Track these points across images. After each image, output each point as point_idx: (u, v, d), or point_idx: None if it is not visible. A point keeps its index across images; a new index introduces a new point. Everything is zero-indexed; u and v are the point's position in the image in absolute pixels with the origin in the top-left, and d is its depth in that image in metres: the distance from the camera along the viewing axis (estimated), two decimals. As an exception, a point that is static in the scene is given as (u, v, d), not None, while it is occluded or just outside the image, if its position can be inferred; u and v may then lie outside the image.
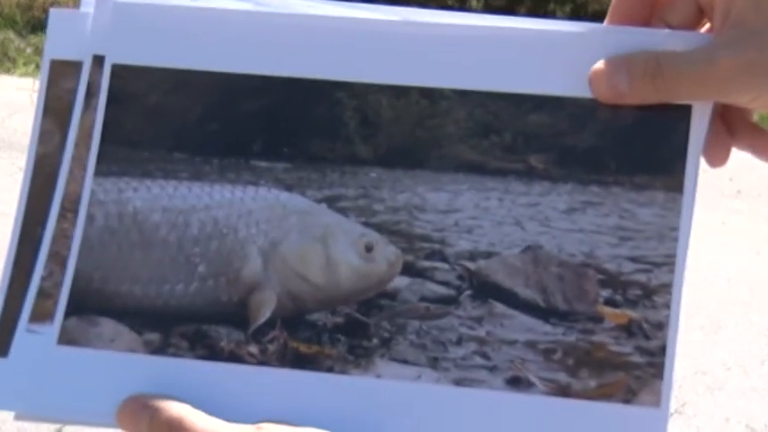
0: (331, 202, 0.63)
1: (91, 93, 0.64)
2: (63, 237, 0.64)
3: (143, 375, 0.61)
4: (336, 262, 0.62)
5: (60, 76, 0.65)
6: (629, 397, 0.59)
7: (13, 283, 0.64)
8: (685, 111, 0.62)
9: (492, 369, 0.60)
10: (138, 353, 0.62)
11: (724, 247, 3.54)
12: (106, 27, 0.64)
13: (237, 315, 0.61)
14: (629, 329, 0.60)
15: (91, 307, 0.62)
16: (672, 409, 2.71)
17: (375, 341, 0.60)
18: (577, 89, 0.62)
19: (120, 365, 0.62)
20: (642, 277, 0.61)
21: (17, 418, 0.62)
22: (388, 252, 0.62)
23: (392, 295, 0.61)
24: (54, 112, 0.64)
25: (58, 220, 0.64)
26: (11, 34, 5.90)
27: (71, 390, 0.62)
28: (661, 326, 0.60)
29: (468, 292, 0.61)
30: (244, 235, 0.62)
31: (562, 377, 0.59)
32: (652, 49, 0.61)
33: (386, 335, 0.61)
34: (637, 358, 0.59)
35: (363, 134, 0.63)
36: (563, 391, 0.59)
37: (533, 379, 0.60)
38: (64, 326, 0.62)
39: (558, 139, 0.62)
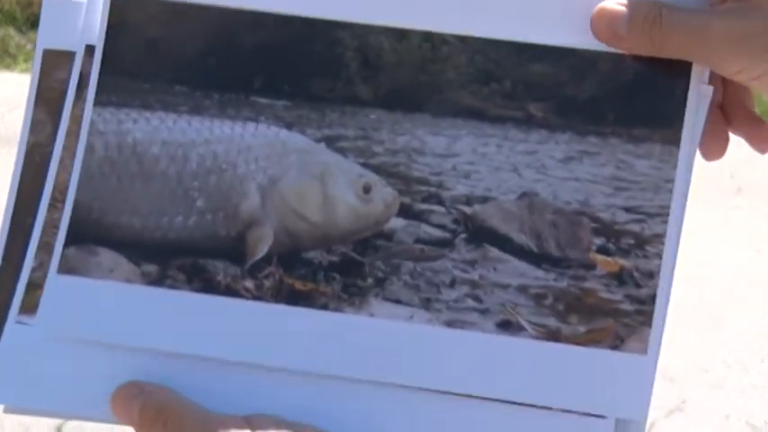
0: (330, 141, 0.63)
1: (83, 84, 0.64)
2: (53, 227, 0.64)
3: (140, 308, 0.61)
4: (334, 201, 0.62)
5: (53, 67, 0.65)
6: (616, 343, 0.60)
7: (2, 274, 0.64)
8: (685, 67, 0.62)
9: (484, 312, 0.60)
10: (135, 284, 0.62)
11: (724, 245, 3.54)
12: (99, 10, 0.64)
13: (234, 250, 0.62)
14: (620, 278, 0.61)
15: (90, 237, 0.62)
16: (671, 407, 2.70)
17: (369, 281, 0.61)
18: (580, 40, 0.63)
19: (118, 297, 0.62)
20: (636, 227, 0.61)
21: (6, 411, 0.62)
22: (385, 193, 0.62)
23: (388, 236, 0.62)
24: (46, 102, 0.65)
25: (49, 211, 0.64)
26: (11, 30, 5.90)
27: (61, 382, 0.62)
28: (652, 275, 0.61)
29: (463, 236, 0.62)
30: (243, 171, 0.62)
31: (552, 322, 0.60)
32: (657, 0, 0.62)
33: (380, 275, 0.61)
34: (626, 306, 0.60)
35: (364, 75, 0.64)
36: (552, 336, 0.60)
37: (524, 323, 0.60)
38: (64, 254, 0.62)
39: (558, 89, 0.63)
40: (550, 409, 0.60)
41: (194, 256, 0.62)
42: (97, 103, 0.63)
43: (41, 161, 0.65)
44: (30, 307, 0.63)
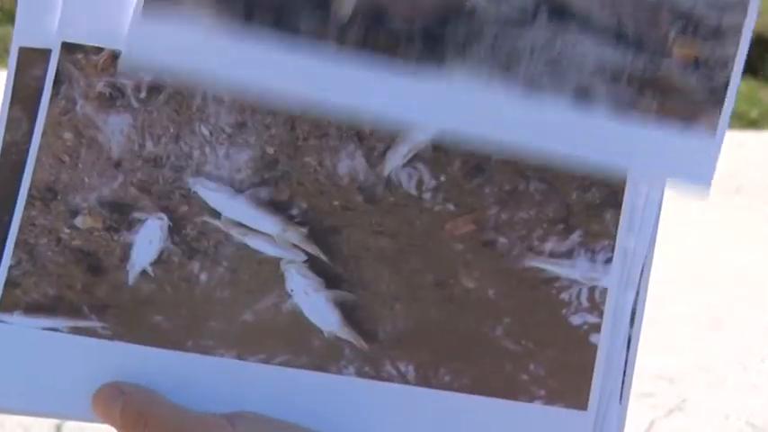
0: None
1: (60, 80, 0.64)
2: (30, 225, 0.63)
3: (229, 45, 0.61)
4: None
5: (29, 64, 0.64)
6: (687, 119, 0.61)
7: None
8: None
9: (560, 82, 0.61)
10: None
11: (724, 244, 3.54)
12: (76, 13, 0.64)
13: (321, 4, 0.61)
14: (696, 63, 0.62)
15: None
16: (672, 406, 2.71)
17: (450, 46, 0.61)
18: None
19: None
20: (714, 15, 0.62)
21: None
22: None
23: (470, 12, 0.62)
24: (22, 99, 0.64)
25: (26, 208, 0.63)
26: (11, 29, 5.91)
27: (42, 381, 0.62)
28: (726, 64, 0.62)
29: (545, 12, 0.62)
30: None
31: (626, 97, 0.61)
32: None
33: (461, 41, 0.61)
34: (700, 90, 0.62)
35: None
36: (627, 106, 0.61)
37: (599, 94, 0.61)
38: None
39: None
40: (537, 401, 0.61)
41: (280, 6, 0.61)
42: None
43: (18, 159, 0.64)
44: (8, 305, 0.62)
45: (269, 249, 0.63)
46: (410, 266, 0.62)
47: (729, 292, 3.30)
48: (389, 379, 0.61)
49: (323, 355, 0.62)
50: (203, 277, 0.62)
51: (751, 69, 5.47)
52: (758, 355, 3.01)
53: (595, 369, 0.61)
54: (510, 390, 0.61)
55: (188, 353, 0.62)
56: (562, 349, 0.61)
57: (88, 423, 0.61)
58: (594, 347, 0.61)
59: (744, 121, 4.95)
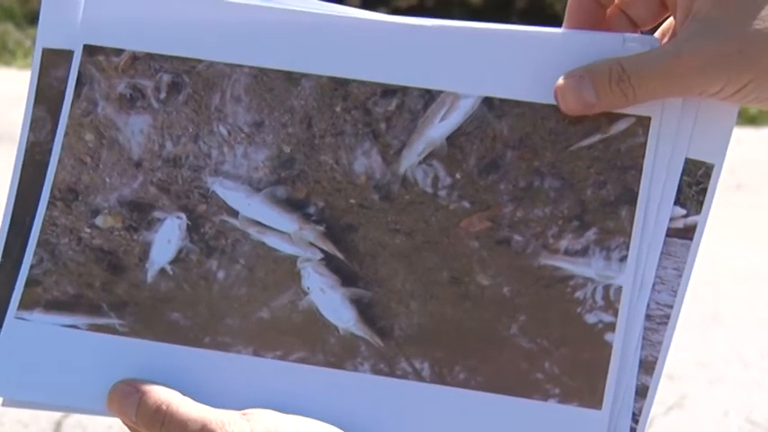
0: None
1: (81, 82, 0.64)
2: (52, 225, 0.64)
3: None
4: None
5: (52, 65, 0.65)
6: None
7: (1, 270, 0.64)
8: None
9: None
10: None
11: (724, 240, 3.54)
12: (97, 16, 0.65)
13: None
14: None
15: None
16: (671, 403, 2.71)
17: None
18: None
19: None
20: None
21: (5, 404, 0.63)
22: None
23: None
24: (46, 100, 0.65)
25: (48, 209, 0.64)
26: (10, 27, 5.89)
27: (60, 375, 0.62)
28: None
29: None
30: None
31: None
32: (612, 56, 0.61)
33: None
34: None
35: None
36: None
37: None
38: None
39: None
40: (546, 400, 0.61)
41: None
42: None
43: (41, 159, 0.65)
44: (29, 303, 0.63)
45: (286, 247, 0.63)
46: (425, 264, 0.63)
47: (729, 287, 3.30)
48: (404, 376, 0.62)
49: (338, 353, 0.62)
50: (221, 275, 0.63)
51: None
52: (758, 350, 3.01)
53: (610, 368, 0.61)
54: (525, 388, 0.61)
55: (205, 349, 0.62)
56: (577, 348, 0.61)
57: (90, 419, 0.62)
58: (609, 346, 0.61)
59: (743, 118, 4.95)
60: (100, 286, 0.63)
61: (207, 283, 0.63)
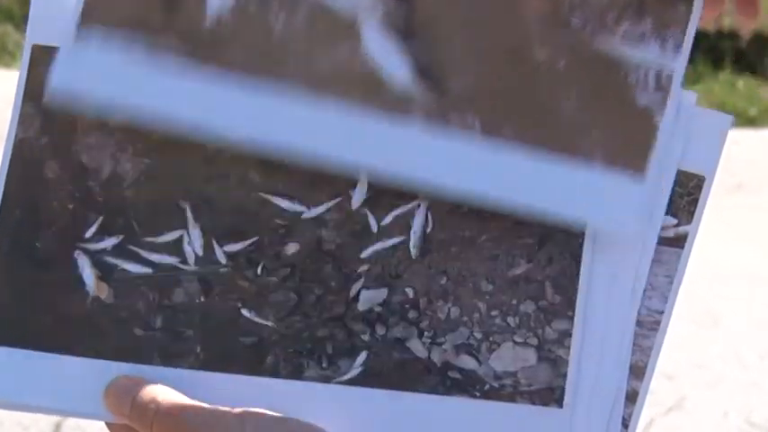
0: None
1: None
2: None
3: None
4: None
5: (42, 62, 0.65)
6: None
7: None
8: None
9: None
10: None
11: (723, 241, 3.55)
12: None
13: None
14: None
15: None
16: (670, 404, 2.71)
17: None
18: None
19: None
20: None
21: (0, 406, 0.62)
22: None
23: None
24: (35, 96, 0.65)
25: None
26: (9, 28, 5.90)
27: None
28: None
29: None
30: None
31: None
32: None
33: None
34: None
35: None
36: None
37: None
38: None
39: None
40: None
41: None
42: None
43: (31, 155, 0.64)
44: (89, 20, 0.63)
45: (346, 3, 0.64)
46: (485, 32, 0.64)
47: (729, 288, 3.31)
48: (456, 127, 0.63)
49: (393, 102, 0.63)
50: (279, 26, 0.64)
51: (750, 67, 5.47)
52: (757, 352, 3.01)
53: (656, 143, 0.63)
54: (570, 149, 0.63)
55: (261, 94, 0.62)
56: (625, 122, 0.63)
57: (89, 422, 0.61)
58: (656, 127, 0.63)
59: (742, 119, 4.96)
60: (159, 21, 0.64)
61: (265, 33, 0.64)
